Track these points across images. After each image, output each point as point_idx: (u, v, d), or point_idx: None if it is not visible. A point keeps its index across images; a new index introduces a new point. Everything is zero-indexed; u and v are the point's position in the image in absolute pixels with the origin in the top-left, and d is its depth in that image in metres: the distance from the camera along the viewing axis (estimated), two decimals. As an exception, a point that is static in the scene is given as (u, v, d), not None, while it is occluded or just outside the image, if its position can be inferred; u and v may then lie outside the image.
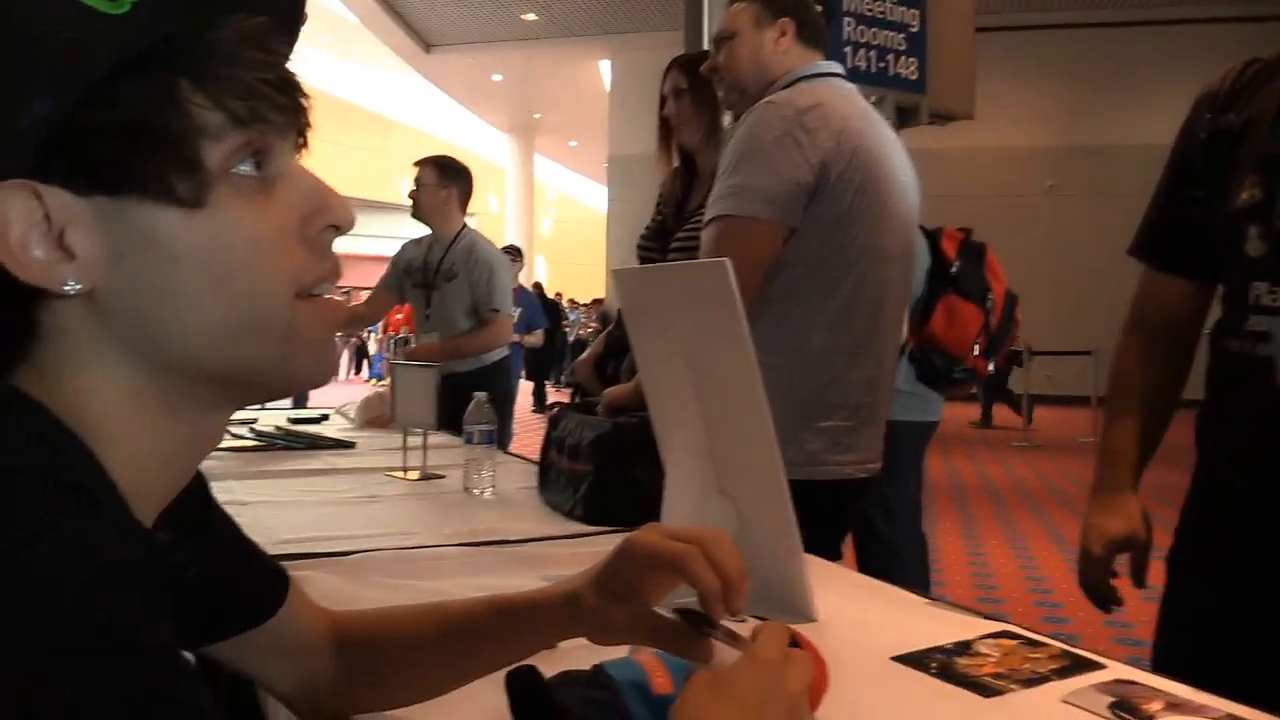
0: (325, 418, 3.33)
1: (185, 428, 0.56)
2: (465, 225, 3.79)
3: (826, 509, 1.68)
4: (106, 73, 0.49)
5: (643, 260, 2.37)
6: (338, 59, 23.14)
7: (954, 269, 2.92)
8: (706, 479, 1.21)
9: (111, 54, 0.49)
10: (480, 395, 2.00)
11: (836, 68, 1.80)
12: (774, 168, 1.59)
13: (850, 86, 1.79)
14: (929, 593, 1.26)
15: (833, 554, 1.76)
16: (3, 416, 0.50)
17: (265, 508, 1.77)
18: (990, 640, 1.06)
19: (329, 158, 22.61)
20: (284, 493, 1.92)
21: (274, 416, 3.28)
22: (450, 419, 2.24)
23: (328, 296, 0.58)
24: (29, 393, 0.51)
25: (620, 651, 0.83)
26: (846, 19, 7.06)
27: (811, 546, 1.49)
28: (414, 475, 2.12)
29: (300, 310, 0.56)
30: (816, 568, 1.39)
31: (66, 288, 0.50)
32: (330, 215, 0.57)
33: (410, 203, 3.70)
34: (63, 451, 0.49)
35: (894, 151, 1.75)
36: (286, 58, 0.55)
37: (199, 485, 0.72)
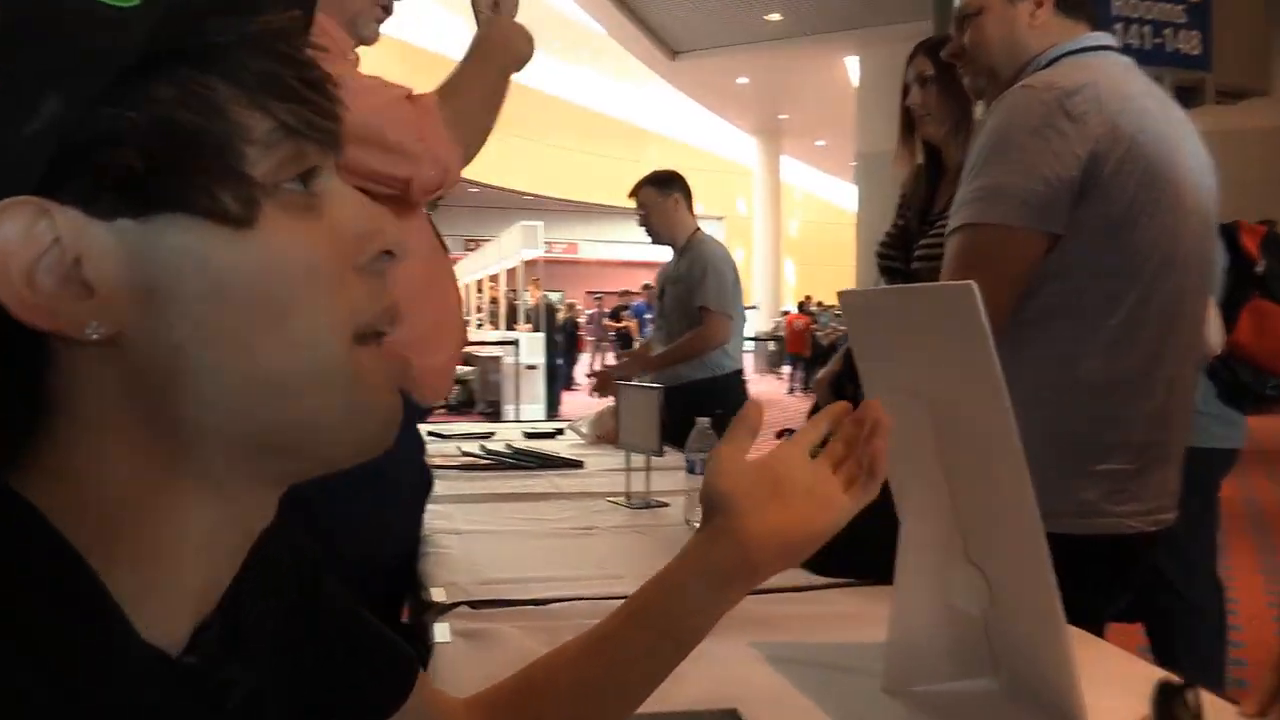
0: (560, 432, 3.31)
1: (223, 510, 0.45)
2: (698, 229, 3.71)
3: (1103, 568, 1.41)
4: (128, 66, 0.38)
5: (883, 271, 2.15)
6: (594, 73, 23.90)
7: (1259, 268, 2.49)
8: (950, 543, 1.00)
9: (131, 45, 0.38)
10: (703, 421, 1.86)
11: (1108, 39, 1.51)
12: (1030, 164, 1.34)
13: (1127, 60, 1.50)
14: (1223, 677, 0.99)
15: (1106, 618, 1.49)
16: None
17: (478, 539, 1.70)
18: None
19: (584, 167, 23.39)
20: (502, 521, 1.86)
21: (510, 431, 3.30)
22: (678, 430, 2.08)
23: (387, 342, 0.47)
24: (19, 490, 0.41)
25: None
26: (1116, -7, 6.46)
27: (1082, 611, 1.25)
28: (637, 503, 2.00)
29: (361, 357, 0.45)
30: (1088, 651, 1.15)
31: (89, 332, 0.39)
32: (385, 238, 0.46)
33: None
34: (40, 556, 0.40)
35: (1186, 136, 1.45)
36: (317, 61, 0.44)
37: (312, 584, 0.61)
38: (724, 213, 27.08)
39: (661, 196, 3.59)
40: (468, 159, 1.49)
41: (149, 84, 0.39)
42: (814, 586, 1.39)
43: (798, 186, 28.78)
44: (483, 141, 1.54)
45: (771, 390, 15.21)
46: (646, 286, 19.44)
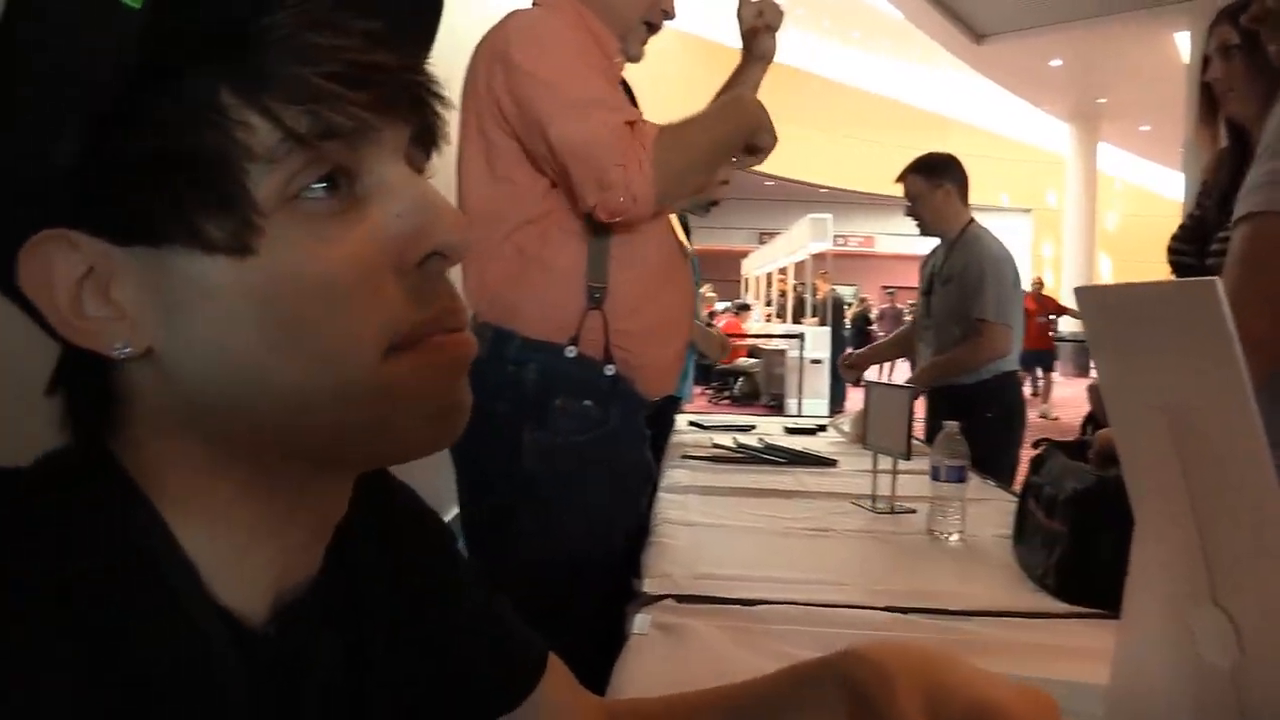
0: (822, 429, 3.24)
1: (281, 501, 0.45)
2: (971, 220, 3.30)
3: None
4: (136, 80, 0.38)
5: (1174, 266, 1.92)
6: (895, 61, 23.25)
7: None
8: (1194, 579, 0.87)
9: (131, 58, 0.38)
10: (951, 425, 1.74)
11: None
12: None
13: None
14: None
15: None
16: (84, 484, 0.43)
17: (709, 532, 1.69)
18: None
19: (883, 159, 22.82)
20: (739, 515, 1.83)
21: (771, 425, 3.27)
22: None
23: (436, 340, 0.44)
24: (117, 458, 0.43)
25: None
26: None
27: None
28: (882, 507, 1.92)
29: (394, 368, 0.43)
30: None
31: (115, 351, 0.41)
32: (433, 240, 0.43)
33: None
34: (137, 528, 0.42)
35: None
36: (377, 37, 0.41)
37: (443, 564, 0.61)
38: (1031, 205, 25.50)
39: (930, 186, 3.25)
40: (662, 203, 1.48)
41: (154, 101, 0.39)
42: (1051, 614, 1.27)
43: (1117, 176, 26.59)
44: (682, 195, 1.54)
45: (1077, 394, 14.18)
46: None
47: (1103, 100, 18.86)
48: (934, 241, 3.41)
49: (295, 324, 0.41)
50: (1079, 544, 1.31)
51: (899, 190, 3.37)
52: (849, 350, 3.40)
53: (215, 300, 0.41)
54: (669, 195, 1.48)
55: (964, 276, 3.13)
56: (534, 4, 1.64)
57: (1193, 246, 1.86)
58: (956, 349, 3.16)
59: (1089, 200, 20.21)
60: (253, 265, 0.40)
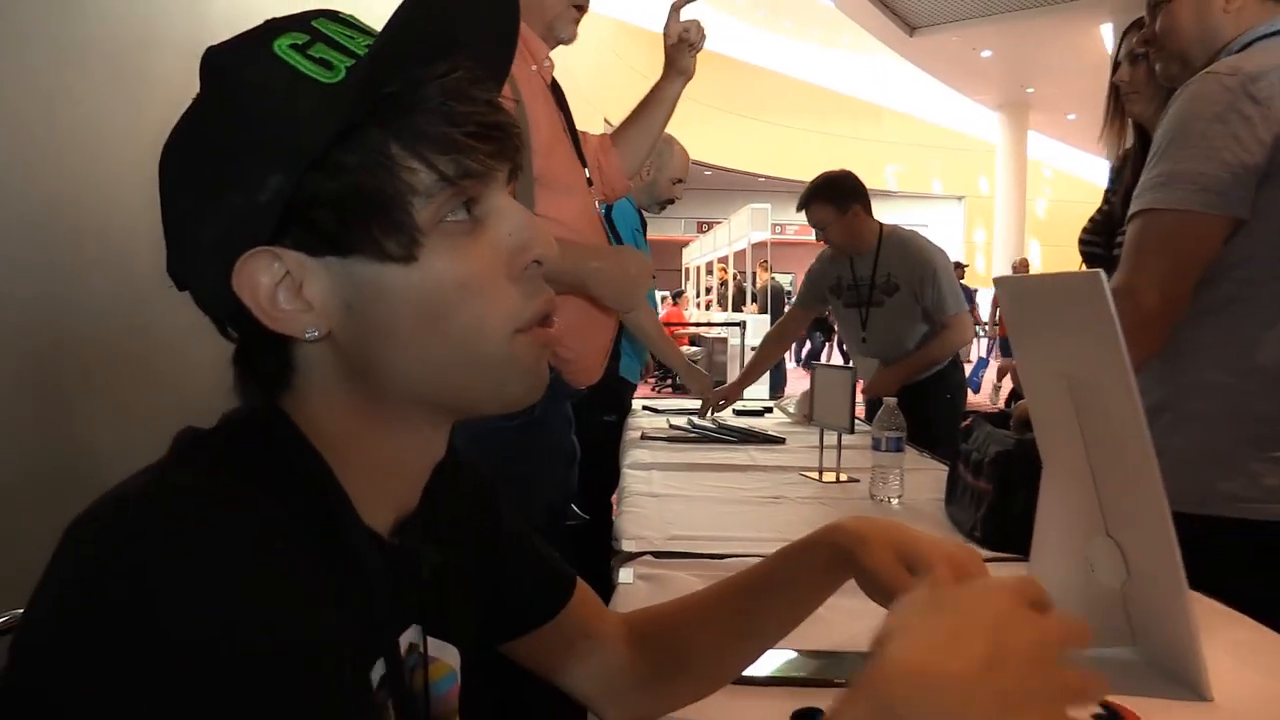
0: (769, 410, 3.43)
1: (410, 442, 0.62)
2: (881, 225, 3.24)
3: (1290, 556, 1.39)
4: (329, 139, 0.53)
5: (1085, 257, 2.13)
6: (829, 51, 23.60)
7: None
8: (1091, 518, 1.06)
9: (331, 122, 0.53)
10: (890, 400, 1.93)
11: (1309, 20, 1.47)
12: (1211, 150, 1.34)
13: (1330, 41, 1.45)
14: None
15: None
16: (272, 435, 0.58)
17: (673, 501, 1.86)
18: None
19: (821, 147, 23.15)
20: (697, 488, 2.00)
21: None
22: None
23: (541, 329, 0.61)
24: (290, 417, 0.58)
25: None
26: None
27: (1268, 603, 1.25)
28: (829, 478, 2.10)
29: (517, 344, 0.59)
30: (1239, 630, 1.17)
31: (308, 335, 0.56)
32: (533, 251, 0.60)
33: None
34: (309, 466, 0.57)
35: None
36: (493, 100, 0.58)
37: (490, 507, 0.77)
38: (964, 192, 26.06)
39: (839, 212, 3.15)
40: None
41: (341, 152, 0.54)
42: (987, 559, 1.45)
43: (1046, 163, 27.28)
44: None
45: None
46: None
47: (1031, 90, 19.36)
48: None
49: (442, 312, 0.57)
50: (1001, 499, 1.50)
51: None
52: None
53: (386, 296, 0.56)
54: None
55: (916, 282, 3.12)
56: None
57: (1101, 238, 2.07)
58: (928, 346, 3.16)
59: (1019, 187, 20.73)
60: (414, 270, 0.56)
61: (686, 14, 1.99)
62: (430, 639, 0.67)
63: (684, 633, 0.83)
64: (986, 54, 16.65)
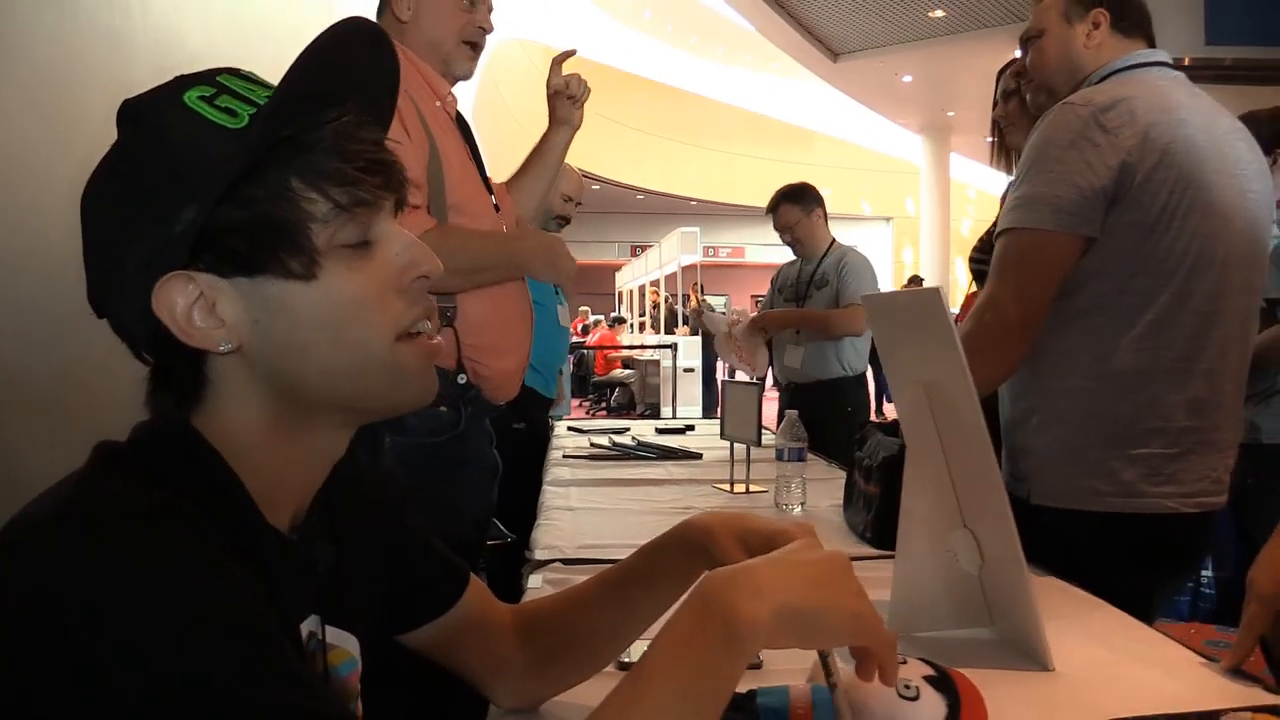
0: (690, 428, 3.53)
1: (309, 445, 0.70)
2: (835, 240, 3.86)
3: (1146, 546, 1.52)
4: (236, 176, 0.62)
5: (975, 274, 2.27)
6: (757, 76, 23.99)
7: None
8: (949, 509, 1.17)
9: (238, 161, 0.62)
10: (791, 413, 2.04)
11: (1160, 56, 1.61)
12: (1066, 174, 1.47)
13: (1175, 75, 1.60)
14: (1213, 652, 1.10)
15: (1156, 598, 1.59)
16: (181, 445, 0.65)
17: (588, 514, 1.94)
18: (1247, 714, 0.92)
19: (751, 171, 23.48)
20: (613, 500, 2.09)
21: (644, 427, 3.53)
22: (808, 424, 2.21)
23: (424, 336, 0.70)
24: (196, 427, 0.66)
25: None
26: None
27: (1129, 589, 1.37)
28: (739, 489, 2.20)
29: (399, 350, 0.68)
30: (1093, 612, 1.29)
31: (221, 348, 0.64)
32: (421, 268, 0.69)
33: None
34: (214, 471, 0.65)
35: (1232, 143, 1.54)
36: (379, 140, 0.67)
37: (393, 506, 0.85)
38: (891, 213, 26.60)
39: (804, 212, 3.75)
40: None
41: (248, 186, 0.63)
42: (868, 557, 1.56)
43: (970, 184, 28.01)
44: None
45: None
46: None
47: (951, 114, 19.89)
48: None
49: (339, 323, 0.66)
50: (886, 501, 1.61)
51: (767, 201, 3.77)
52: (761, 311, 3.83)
53: (289, 310, 0.65)
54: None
55: (841, 279, 3.64)
56: None
57: (988, 256, 2.21)
58: (824, 311, 3.67)
59: (943, 207, 21.23)
60: (314, 287, 0.65)
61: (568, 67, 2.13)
62: (329, 627, 0.74)
63: (563, 621, 0.92)
64: (907, 79, 17.11)
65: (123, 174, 0.65)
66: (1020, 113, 2.10)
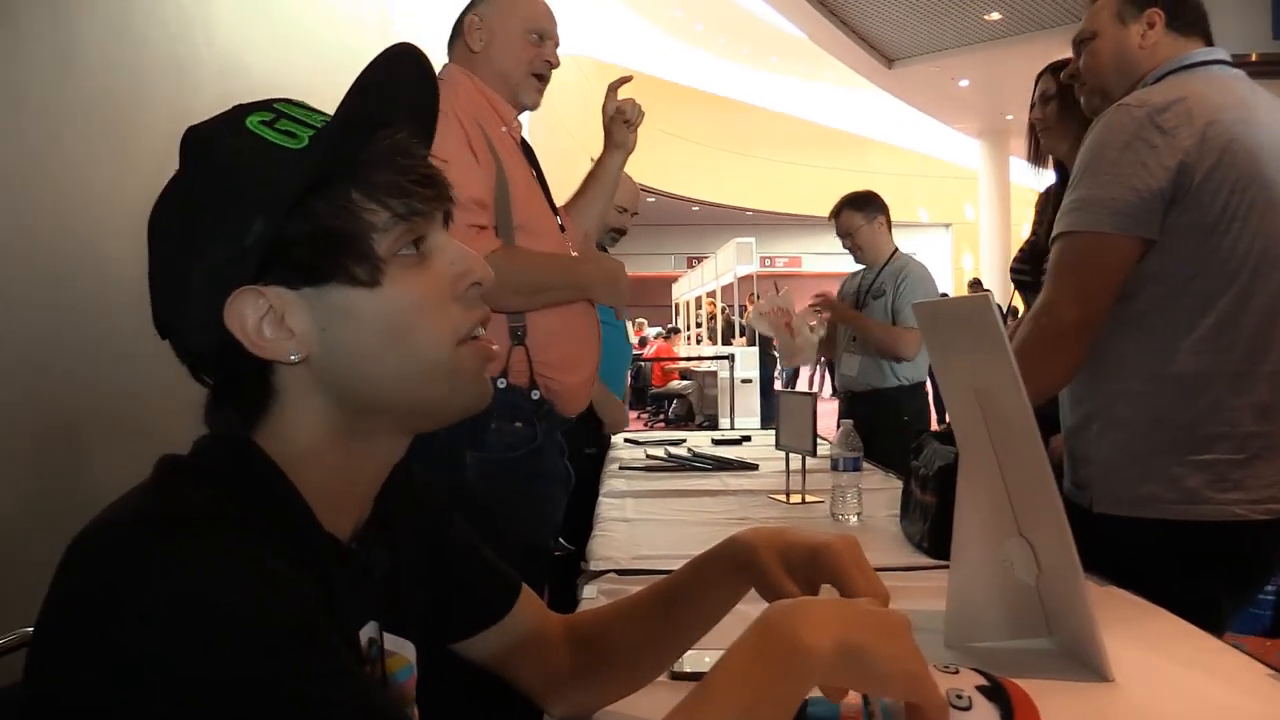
0: (747, 439, 3.52)
1: (369, 453, 0.72)
2: (897, 249, 3.83)
3: (1213, 554, 1.48)
4: (299, 192, 0.65)
5: (1016, 285, 2.25)
6: (813, 85, 23.89)
7: None
8: (1006, 520, 1.15)
9: (302, 178, 0.65)
10: (847, 423, 2.03)
11: (1218, 54, 1.58)
12: (1122, 176, 1.45)
13: (1234, 72, 1.57)
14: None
15: (1226, 609, 1.55)
16: (240, 457, 0.68)
17: (643, 525, 1.95)
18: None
19: (807, 180, 23.38)
20: (668, 512, 2.09)
21: (701, 438, 3.53)
22: (865, 434, 2.20)
23: (481, 340, 0.73)
24: (258, 439, 0.68)
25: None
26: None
27: (1196, 599, 1.34)
28: (795, 499, 2.19)
29: (460, 354, 0.71)
30: (1155, 622, 1.26)
31: (292, 358, 0.67)
32: (474, 276, 0.72)
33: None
34: (274, 482, 0.67)
35: None
36: (426, 158, 0.70)
37: (441, 518, 0.87)
38: (950, 219, 26.30)
39: (865, 219, 3.73)
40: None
41: (312, 202, 0.66)
42: (924, 567, 1.55)
43: (1032, 187, 27.56)
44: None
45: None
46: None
47: (1010, 117, 19.60)
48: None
49: (402, 328, 0.68)
50: (943, 510, 1.59)
51: (826, 210, 3.78)
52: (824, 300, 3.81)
53: (354, 316, 0.67)
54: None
55: (899, 291, 3.60)
56: (439, 78, 1.93)
57: (1029, 266, 2.19)
58: (880, 325, 3.62)
59: (1003, 213, 20.91)
60: (378, 294, 0.67)
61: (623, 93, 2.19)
62: (387, 634, 0.76)
63: (611, 632, 0.93)
64: (964, 83, 16.91)
65: (191, 195, 0.68)
66: (1058, 117, 2.08)
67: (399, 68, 0.70)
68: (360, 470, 0.72)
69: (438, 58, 2.15)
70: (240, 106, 0.70)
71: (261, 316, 0.66)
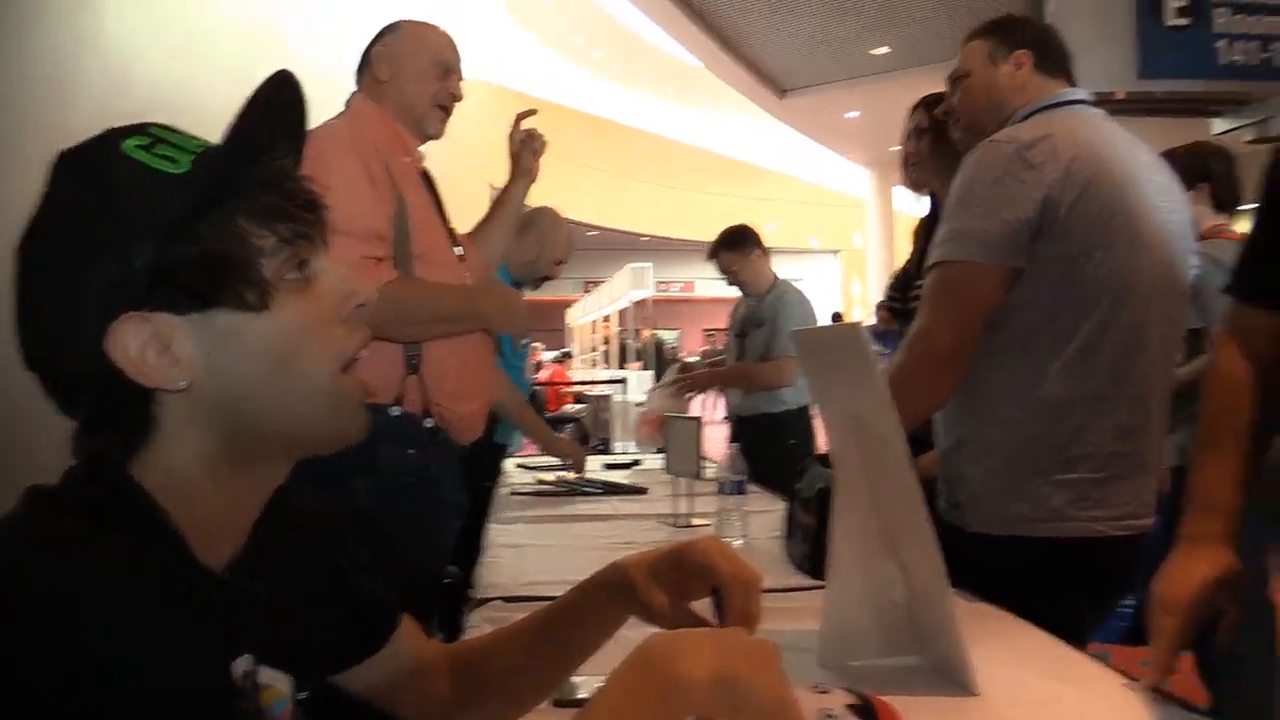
0: (636, 463, 3.53)
1: (249, 480, 0.71)
2: (777, 278, 3.95)
3: (1075, 570, 1.55)
4: (185, 217, 0.64)
5: (889, 310, 2.33)
6: (707, 113, 24.26)
7: None
8: (877, 540, 1.19)
9: (185, 203, 0.64)
10: (732, 446, 2.06)
11: (1080, 94, 1.68)
12: (992, 208, 1.52)
13: (1095, 112, 1.66)
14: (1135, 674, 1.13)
15: (1088, 621, 1.62)
16: (111, 487, 0.66)
17: (533, 551, 1.95)
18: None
19: (702, 206, 23.65)
20: (558, 538, 2.09)
21: (592, 463, 3.53)
22: (752, 457, 2.22)
23: (356, 375, 0.73)
24: (133, 468, 0.67)
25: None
26: (1219, 10, 6.41)
27: (1061, 613, 1.40)
28: (681, 523, 2.21)
29: (342, 380, 0.71)
30: (1020, 636, 1.31)
31: (177, 385, 0.66)
32: (359, 296, 0.73)
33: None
34: (142, 511, 0.65)
35: (1149, 177, 1.60)
36: (305, 182, 0.71)
37: (322, 539, 0.86)
38: (839, 246, 26.92)
39: (742, 256, 3.86)
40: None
41: (198, 227, 0.65)
42: (804, 588, 1.58)
43: (916, 216, 28.45)
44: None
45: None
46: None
47: (895, 148, 20.07)
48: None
49: (287, 353, 0.68)
50: (822, 531, 1.62)
51: (713, 237, 3.88)
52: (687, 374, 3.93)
53: (241, 341, 0.66)
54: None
55: (776, 322, 3.73)
56: (345, 106, 1.91)
57: (898, 293, 2.28)
58: (751, 366, 3.83)
59: (888, 240, 21.52)
60: (265, 318, 0.67)
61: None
62: (262, 667, 0.74)
63: (492, 660, 0.93)
64: (853, 114, 17.40)
65: (70, 222, 0.66)
66: (931, 151, 2.18)
67: (280, 95, 0.70)
68: (240, 498, 0.71)
69: (335, 73, 2.12)
70: (113, 130, 0.69)
71: (145, 343, 0.65)
